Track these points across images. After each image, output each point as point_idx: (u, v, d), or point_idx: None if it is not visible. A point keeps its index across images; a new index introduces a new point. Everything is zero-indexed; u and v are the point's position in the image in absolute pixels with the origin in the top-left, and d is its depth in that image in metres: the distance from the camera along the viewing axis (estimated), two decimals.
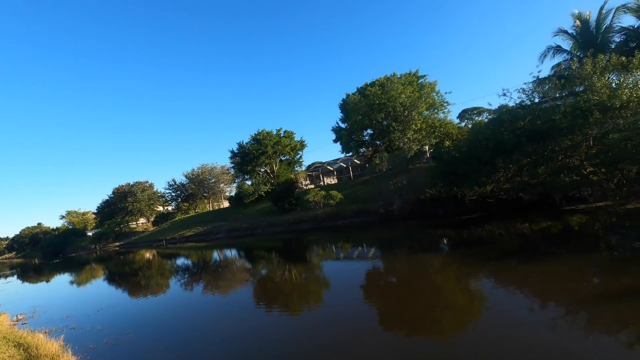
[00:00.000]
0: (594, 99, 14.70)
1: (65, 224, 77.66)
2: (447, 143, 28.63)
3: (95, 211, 68.97)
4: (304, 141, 49.57)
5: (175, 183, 61.91)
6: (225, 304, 10.07)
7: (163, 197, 64.91)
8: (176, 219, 52.59)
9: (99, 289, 16.92)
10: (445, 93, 33.19)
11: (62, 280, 23.04)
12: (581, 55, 23.99)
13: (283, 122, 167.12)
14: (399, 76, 34.20)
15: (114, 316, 10.10)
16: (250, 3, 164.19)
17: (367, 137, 35.82)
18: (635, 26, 25.31)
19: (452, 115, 34.27)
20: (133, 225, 61.48)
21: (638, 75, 15.78)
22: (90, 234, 60.31)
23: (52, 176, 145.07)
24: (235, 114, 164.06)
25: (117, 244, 50.39)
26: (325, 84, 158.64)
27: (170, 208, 65.76)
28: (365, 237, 19.94)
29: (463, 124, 39.69)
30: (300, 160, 50.69)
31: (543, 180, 16.05)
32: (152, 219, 61.16)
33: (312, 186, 47.62)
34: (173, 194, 63.08)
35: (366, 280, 10.26)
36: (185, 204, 60.68)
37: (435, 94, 32.77)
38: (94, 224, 74.01)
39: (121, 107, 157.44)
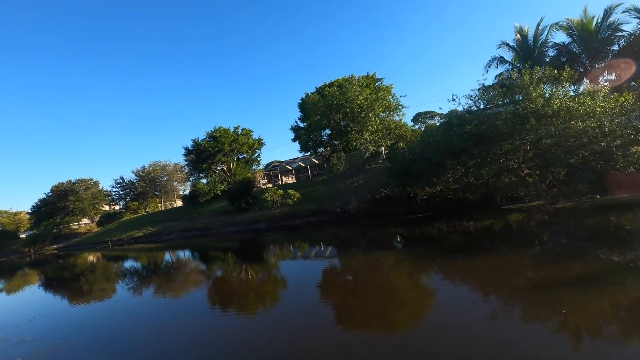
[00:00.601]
0: (530, 107, 16.07)
1: None
2: (401, 145, 29.77)
3: (30, 211, 62.78)
4: (262, 139, 48.87)
5: (123, 181, 58.16)
6: (176, 308, 9.60)
7: (110, 195, 60.69)
8: (124, 219, 49.47)
9: (31, 296, 15.36)
10: (401, 96, 34.59)
11: None
12: (521, 67, 26.09)
13: (241, 120, 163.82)
14: (357, 78, 34.94)
15: (48, 325, 9.24)
16: (208, 1, 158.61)
17: (325, 137, 36.18)
18: (566, 43, 28.07)
19: (407, 118, 35.78)
20: (75, 226, 56.69)
21: (567, 87, 17.53)
22: (23, 236, 54.50)
23: None
24: (191, 112, 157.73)
25: (55, 246, 46.18)
26: (285, 82, 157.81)
27: (117, 207, 61.63)
28: (322, 237, 20.17)
29: (417, 127, 41.48)
30: (258, 158, 49.93)
31: (486, 181, 17.31)
32: (96, 219, 56.88)
33: (270, 185, 47.19)
34: (121, 192, 59.21)
35: (323, 279, 10.39)
36: (134, 203, 57.16)
37: (391, 97, 33.89)
38: (28, 225, 67.04)
39: (61, 97, 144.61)
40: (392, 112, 33.80)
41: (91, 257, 29.28)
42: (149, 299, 11.28)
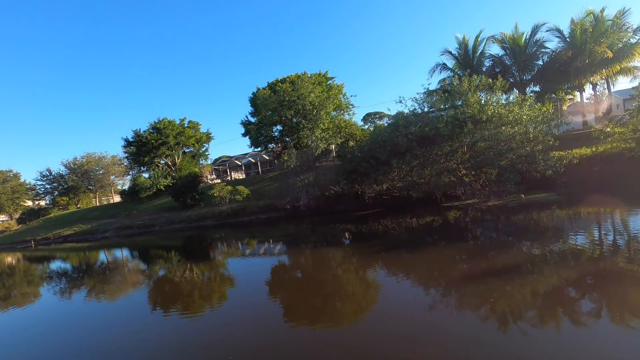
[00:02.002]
0: (468, 112, 17.40)
1: None
2: (351, 143, 30.58)
3: None
4: (210, 133, 47.15)
5: (50, 174, 52.49)
6: (113, 312, 8.91)
7: (33, 189, 54.62)
8: (51, 215, 44.81)
9: None
10: (351, 96, 35.51)
11: None
12: (461, 74, 28.08)
13: (188, 112, 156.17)
14: (309, 75, 35.08)
15: None
16: None
17: (276, 133, 35.92)
18: (500, 55, 30.73)
19: (357, 118, 36.76)
20: None
21: (499, 95, 19.23)
22: None
23: None
24: (132, 101, 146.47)
25: None
26: (236, 75, 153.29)
27: (43, 203, 55.73)
28: (271, 233, 20.06)
29: (366, 127, 42.78)
30: (206, 153, 48.16)
31: (428, 180, 18.45)
32: (16, 216, 50.93)
33: (219, 181, 45.74)
34: (48, 186, 53.49)
35: (272, 276, 10.37)
36: (63, 199, 51.91)
37: (342, 96, 34.60)
38: None
39: None
40: (342, 111, 34.54)
41: (9, 259, 26.21)
42: (80, 304, 10.39)
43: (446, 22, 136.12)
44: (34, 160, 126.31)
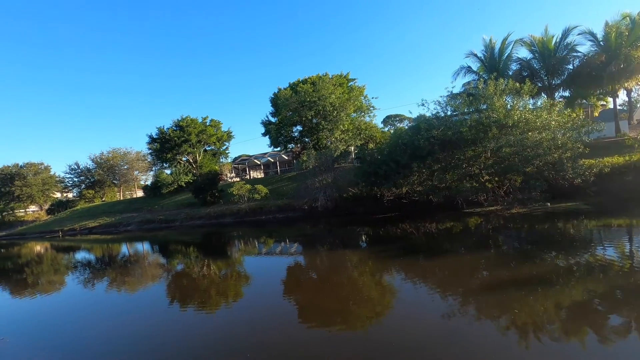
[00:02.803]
0: (493, 117, 16.92)
1: None
2: (370, 145, 30.33)
3: None
4: (231, 132, 47.92)
5: (78, 167, 54.66)
6: (131, 303, 9.16)
7: (62, 182, 56.90)
8: (78, 207, 46.50)
9: None
10: (372, 98, 35.07)
11: None
12: (486, 77, 27.39)
13: (210, 111, 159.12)
14: (330, 76, 35.08)
15: None
16: None
17: (296, 134, 36.05)
18: (528, 58, 29.79)
19: (377, 120, 36.42)
20: (20, 213, 52.56)
21: (526, 100, 18.63)
22: None
23: None
24: (158, 99, 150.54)
25: None
26: (257, 76, 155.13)
27: (70, 195, 57.91)
28: (288, 233, 20.12)
29: (386, 129, 42.41)
30: (227, 151, 48.95)
31: (449, 185, 18.04)
32: (46, 207, 53.10)
33: (238, 179, 46.37)
34: (75, 179, 55.66)
35: (287, 275, 10.37)
36: (90, 192, 53.86)
37: (363, 97, 34.39)
38: None
39: (13, 75, 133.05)
40: (363, 113, 34.31)
41: (38, 247, 27.39)
42: (101, 293, 10.69)
43: (470, 25, 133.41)
44: (64, 154, 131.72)
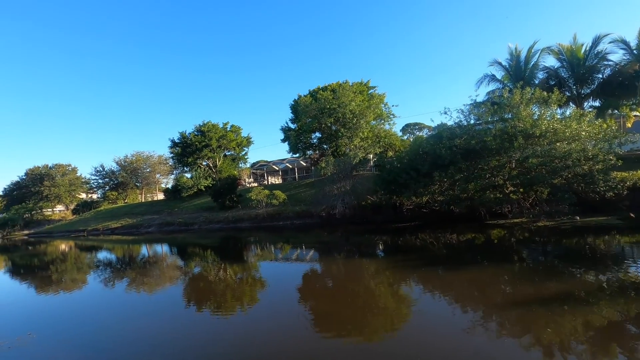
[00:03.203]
0: (519, 126, 16.38)
1: None
2: (390, 153, 30.02)
3: (1, 193, 60.50)
4: (250, 138, 48.54)
5: (103, 169, 56.66)
6: (149, 304, 9.27)
7: (88, 183, 59.00)
8: (101, 208, 48.02)
9: None
10: (393, 106, 34.80)
11: None
12: (511, 86, 26.70)
13: (231, 116, 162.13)
14: (350, 84, 35.07)
15: (14, 314, 8.80)
16: None
17: (315, 140, 36.14)
18: (555, 67, 28.90)
19: (396, 128, 36.03)
20: (48, 212, 54.71)
21: (554, 109, 17.98)
22: None
23: None
24: (180, 104, 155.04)
25: (26, 232, 44.40)
26: (278, 82, 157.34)
27: (95, 196, 59.93)
28: (305, 239, 19.99)
29: (405, 137, 41.94)
30: (246, 157, 49.55)
31: (472, 195, 17.50)
32: (71, 207, 55.11)
33: (256, 184, 46.75)
34: (100, 181, 57.64)
35: (303, 282, 10.23)
36: (113, 193, 55.61)
37: (383, 105, 34.15)
38: None
39: (41, 76, 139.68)
40: (383, 121, 34.05)
41: (63, 246, 28.30)
42: (121, 293, 10.87)
43: (490, 34, 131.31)
44: (90, 156, 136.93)
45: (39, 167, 56.61)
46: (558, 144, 15.97)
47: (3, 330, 7.36)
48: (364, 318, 6.73)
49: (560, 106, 21.61)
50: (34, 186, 54.06)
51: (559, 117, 17.88)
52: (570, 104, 28.09)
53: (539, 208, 16.28)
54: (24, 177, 56.61)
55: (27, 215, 47.05)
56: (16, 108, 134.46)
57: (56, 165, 57.37)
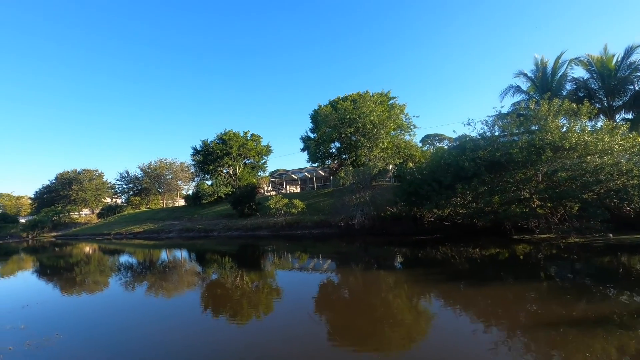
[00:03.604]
0: (547, 139, 15.79)
1: None
2: (410, 164, 29.55)
3: (33, 196, 63.31)
4: (270, 147, 49.01)
5: (128, 175, 58.71)
6: (169, 308, 9.41)
7: (113, 188, 61.09)
8: (125, 213, 49.48)
9: (26, 282, 15.16)
10: (413, 116, 34.40)
11: None
12: (537, 97, 25.92)
13: (252, 125, 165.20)
14: (371, 94, 34.99)
15: (41, 314, 9.03)
16: (231, 4, 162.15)
17: (334, 150, 36.11)
18: (585, 78, 27.92)
19: (416, 139, 35.41)
20: (75, 215, 56.90)
21: (584, 122, 17.27)
22: (23, 220, 54.21)
23: None
24: (202, 112, 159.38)
25: (54, 234, 46.18)
26: (296, 92, 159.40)
27: (119, 201, 61.93)
28: (323, 249, 19.82)
29: (425, 148, 41.31)
30: (265, 165, 49.96)
31: (496, 209, 16.89)
32: (97, 211, 57.10)
33: (274, 193, 47.05)
34: (125, 186, 59.65)
35: (319, 292, 10.08)
36: (136, 198, 57.35)
37: (403, 115, 33.84)
38: (29, 211, 67.45)
39: (71, 87, 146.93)
40: (403, 131, 33.70)
41: (88, 248, 29.18)
42: (141, 296, 11.07)
43: (512, 45, 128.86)
44: (115, 161, 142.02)
45: (68, 172, 59.12)
46: (589, 157, 15.27)
47: (33, 329, 7.57)
48: (380, 331, 6.53)
49: (590, 118, 20.78)
50: (63, 190, 56.39)
51: (589, 129, 17.16)
52: (601, 116, 26.98)
53: (569, 224, 15.51)
54: (54, 181, 59.22)
55: (55, 218, 48.95)
56: (53, 115, 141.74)
57: (84, 170, 59.77)
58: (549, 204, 16.00)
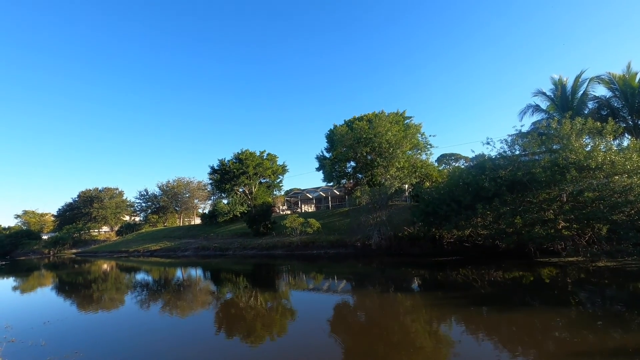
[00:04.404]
0: (571, 158, 15.28)
1: (20, 224, 71.75)
2: (426, 184, 29.10)
3: (56, 214, 65.33)
4: (285, 166, 49.28)
5: (147, 193, 59.98)
6: (181, 326, 9.36)
7: (132, 206, 62.41)
8: (143, 230, 50.29)
9: (47, 298, 15.42)
10: (430, 136, 34.14)
11: (4, 285, 20.87)
12: (558, 116, 25.37)
13: (267, 144, 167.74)
14: (386, 114, 35.04)
15: (61, 331, 9.11)
16: (247, 25, 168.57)
17: (350, 169, 36.00)
18: (607, 96, 27.24)
19: (432, 158, 34.92)
20: (94, 232, 58.26)
21: (610, 140, 16.69)
22: (45, 237, 55.65)
23: (11, 173, 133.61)
24: (217, 131, 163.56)
25: (73, 250, 47.24)
26: (312, 111, 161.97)
27: (137, 219, 63.14)
28: (339, 270, 19.42)
29: (441, 168, 40.70)
30: (280, 184, 50.11)
31: (519, 230, 16.24)
32: (116, 228, 58.28)
33: (289, 212, 46.95)
34: (143, 204, 60.86)
35: (334, 315, 9.79)
36: (154, 216, 58.31)
37: (420, 135, 33.62)
38: (51, 227, 69.53)
39: (94, 107, 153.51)
40: (419, 151, 33.39)
41: (105, 266, 29.60)
42: (156, 315, 11.05)
43: (527, 64, 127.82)
44: (134, 180, 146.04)
45: (90, 190, 60.97)
46: (616, 177, 14.65)
47: (53, 346, 7.62)
48: (398, 357, 6.21)
49: (615, 137, 20.10)
50: (85, 207, 58.00)
51: (615, 148, 16.55)
52: (626, 135, 26.10)
53: (598, 246, 14.73)
54: (77, 199, 61.02)
55: (76, 235, 50.17)
56: (71, 137, 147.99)
57: (105, 188, 61.51)
58: (575, 225, 15.28)
